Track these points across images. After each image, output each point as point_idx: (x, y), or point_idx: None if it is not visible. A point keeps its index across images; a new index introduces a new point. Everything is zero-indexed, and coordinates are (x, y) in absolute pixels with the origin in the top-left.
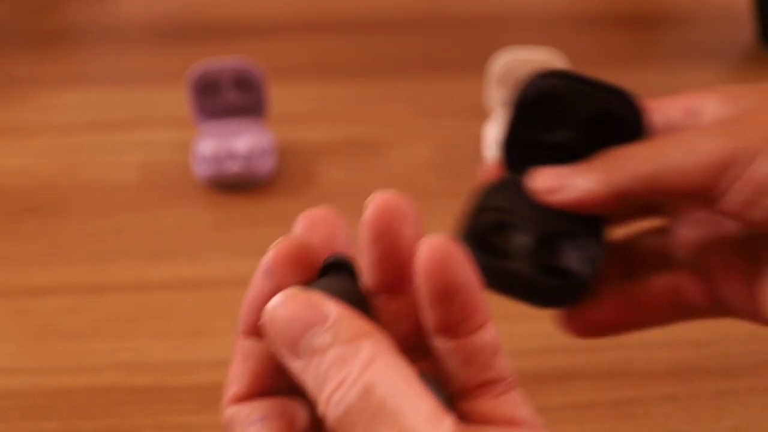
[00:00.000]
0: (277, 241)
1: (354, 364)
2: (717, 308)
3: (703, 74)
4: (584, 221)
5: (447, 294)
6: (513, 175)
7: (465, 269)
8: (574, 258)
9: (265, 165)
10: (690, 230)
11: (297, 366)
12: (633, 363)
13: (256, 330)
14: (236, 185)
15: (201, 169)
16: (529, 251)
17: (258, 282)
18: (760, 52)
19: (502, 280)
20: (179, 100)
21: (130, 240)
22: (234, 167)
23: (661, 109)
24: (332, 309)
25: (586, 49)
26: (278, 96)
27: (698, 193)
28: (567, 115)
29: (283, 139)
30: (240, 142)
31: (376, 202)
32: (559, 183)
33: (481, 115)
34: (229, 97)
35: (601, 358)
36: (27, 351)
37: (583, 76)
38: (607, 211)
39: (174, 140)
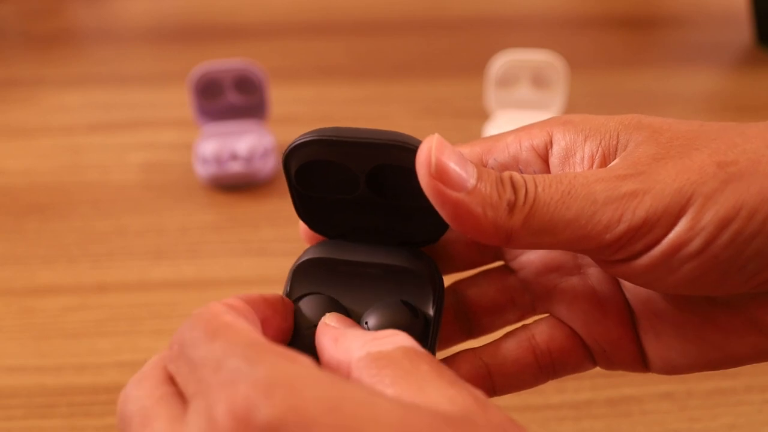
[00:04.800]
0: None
1: None
2: (592, 362)
3: (700, 76)
4: (416, 280)
5: None
6: (320, 247)
7: None
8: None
9: (266, 166)
10: (533, 273)
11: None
12: None
13: None
14: (237, 186)
15: (202, 170)
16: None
17: None
18: (758, 54)
19: None
20: (181, 101)
21: (132, 240)
22: (235, 168)
23: (496, 149)
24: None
25: (584, 50)
26: (279, 97)
27: (597, 253)
28: (343, 175)
29: (284, 140)
30: (241, 143)
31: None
32: (459, 182)
33: (480, 116)
34: (231, 98)
35: None
36: (30, 350)
37: (348, 136)
38: (493, 244)
39: (176, 141)
